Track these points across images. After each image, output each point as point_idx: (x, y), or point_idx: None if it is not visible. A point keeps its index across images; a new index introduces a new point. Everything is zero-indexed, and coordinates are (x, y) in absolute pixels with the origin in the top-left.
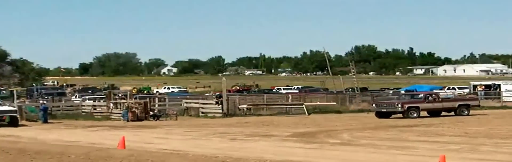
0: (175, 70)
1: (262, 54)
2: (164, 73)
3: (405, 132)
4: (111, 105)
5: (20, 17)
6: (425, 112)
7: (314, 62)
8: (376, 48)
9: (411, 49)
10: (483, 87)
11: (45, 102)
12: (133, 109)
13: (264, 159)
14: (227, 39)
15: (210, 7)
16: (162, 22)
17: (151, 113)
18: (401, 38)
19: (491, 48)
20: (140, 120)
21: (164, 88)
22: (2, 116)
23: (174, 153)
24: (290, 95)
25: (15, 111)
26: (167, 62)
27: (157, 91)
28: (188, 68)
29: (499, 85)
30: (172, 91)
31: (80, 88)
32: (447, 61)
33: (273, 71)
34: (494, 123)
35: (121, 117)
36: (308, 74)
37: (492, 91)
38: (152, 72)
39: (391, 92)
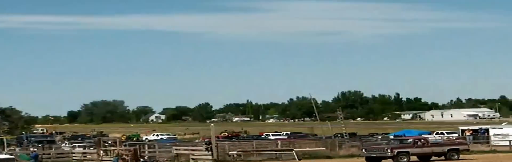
0: (163, 117)
1: (249, 101)
2: (152, 120)
3: None
4: (101, 152)
5: (7, 66)
6: (415, 157)
7: (302, 108)
8: (362, 94)
9: (398, 94)
10: (471, 131)
11: (35, 149)
12: (123, 156)
13: None
14: (214, 86)
15: (196, 54)
16: (149, 70)
17: (142, 160)
18: (387, 84)
19: (478, 93)
20: None
21: (153, 135)
22: None
23: None
24: (279, 141)
25: (12, 160)
26: (154, 109)
27: (146, 138)
28: (176, 115)
29: (487, 130)
30: (161, 138)
31: (70, 135)
32: (434, 106)
33: (260, 117)
34: None
35: None
36: (296, 120)
37: (481, 135)
38: (140, 119)
39: (380, 137)
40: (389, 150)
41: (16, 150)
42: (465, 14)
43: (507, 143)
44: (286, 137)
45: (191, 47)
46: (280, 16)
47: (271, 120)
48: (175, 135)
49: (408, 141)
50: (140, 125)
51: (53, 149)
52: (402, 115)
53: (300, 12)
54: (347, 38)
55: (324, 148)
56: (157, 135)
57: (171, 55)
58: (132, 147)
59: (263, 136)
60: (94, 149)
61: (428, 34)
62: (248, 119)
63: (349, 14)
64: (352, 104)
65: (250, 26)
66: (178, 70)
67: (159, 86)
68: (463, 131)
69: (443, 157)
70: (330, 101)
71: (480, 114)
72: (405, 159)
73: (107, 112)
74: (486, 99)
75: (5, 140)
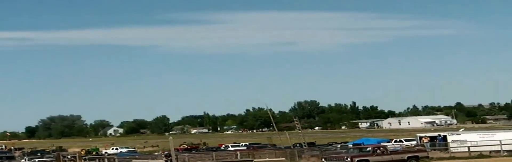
0: (121, 130)
1: (206, 113)
2: (110, 134)
3: None
4: None
5: None
6: None
7: (259, 119)
8: (318, 103)
9: (354, 103)
10: (429, 138)
11: None
12: None
13: None
14: (170, 98)
15: (151, 67)
16: (105, 84)
17: None
18: (343, 93)
19: (434, 100)
20: None
21: (113, 148)
22: None
23: None
24: (238, 152)
25: None
26: (112, 123)
27: (105, 152)
28: (134, 128)
29: (445, 136)
30: (121, 151)
31: (29, 151)
32: (391, 114)
33: (218, 129)
34: None
35: None
36: (254, 130)
37: (439, 142)
38: (99, 133)
39: (339, 146)
40: (349, 159)
41: None
42: (422, 22)
43: (466, 149)
44: (245, 148)
45: (146, 60)
46: (234, 27)
47: (229, 132)
48: (134, 148)
49: (368, 149)
50: (98, 139)
51: None
52: (359, 123)
53: (254, 23)
54: (302, 48)
55: (283, 158)
56: (117, 149)
57: (126, 69)
58: (92, 161)
59: (222, 148)
60: None
61: (382, 43)
62: (206, 131)
63: (303, 24)
64: (309, 113)
65: (205, 37)
66: (134, 84)
67: (116, 99)
68: (421, 138)
69: None
70: (287, 111)
71: (437, 121)
72: None
73: (65, 127)
74: (442, 106)
75: None
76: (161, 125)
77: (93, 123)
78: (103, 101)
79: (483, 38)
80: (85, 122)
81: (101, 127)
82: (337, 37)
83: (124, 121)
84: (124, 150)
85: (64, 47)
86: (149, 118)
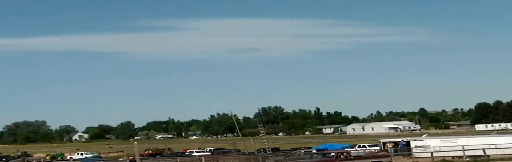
0: (86, 136)
1: (171, 118)
2: (75, 139)
3: None
4: None
5: None
6: None
7: (223, 125)
8: (283, 109)
9: (318, 109)
10: (393, 144)
11: None
12: None
13: None
14: (135, 104)
15: (114, 73)
16: (70, 90)
17: None
18: (307, 99)
19: (397, 106)
20: None
21: (77, 154)
22: None
23: None
24: (203, 158)
25: None
26: (77, 128)
27: (70, 157)
28: (99, 133)
29: (408, 142)
30: (86, 157)
31: None
32: (355, 119)
33: (183, 134)
34: None
35: None
36: (219, 136)
37: (402, 147)
38: (64, 139)
39: (302, 151)
40: None
41: None
42: (382, 29)
43: (429, 155)
44: (210, 153)
45: (111, 66)
46: (199, 34)
47: (194, 137)
48: (99, 153)
49: (331, 154)
50: (63, 145)
51: None
52: (323, 129)
53: (218, 29)
54: (266, 54)
55: None
56: (82, 154)
57: (89, 75)
58: None
59: (187, 153)
60: None
61: (344, 50)
62: (171, 136)
63: (267, 31)
64: (273, 119)
65: (169, 44)
66: (99, 89)
67: (80, 105)
68: (384, 143)
69: None
70: (252, 117)
71: (400, 127)
72: None
73: (30, 133)
74: (406, 112)
75: None
76: (126, 131)
77: (58, 129)
78: (68, 107)
79: (443, 45)
80: (50, 128)
81: (66, 132)
82: (301, 43)
83: (89, 127)
84: (89, 155)
85: (31, 54)
86: (114, 123)
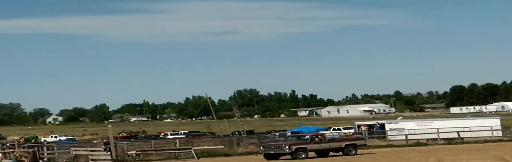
0: (60, 119)
1: (145, 101)
2: (49, 122)
3: None
4: (0, 155)
5: None
6: (313, 153)
7: (198, 107)
8: (258, 92)
9: (293, 92)
10: (367, 127)
11: None
12: (22, 158)
13: None
14: (110, 87)
15: (90, 56)
16: (44, 72)
17: (41, 161)
18: (283, 82)
19: (372, 89)
20: None
21: (51, 136)
22: None
23: None
24: (177, 140)
25: None
26: (51, 111)
27: (44, 140)
28: (73, 116)
29: (383, 125)
30: (60, 140)
31: None
32: (330, 102)
33: (158, 117)
34: None
35: None
36: (193, 119)
37: (377, 130)
38: (38, 122)
39: (277, 134)
40: (287, 147)
41: None
42: (358, 12)
43: (403, 138)
44: (184, 136)
45: (85, 49)
46: (173, 17)
47: (168, 120)
48: (73, 136)
49: (306, 137)
50: (38, 127)
51: None
52: (298, 112)
53: (194, 12)
54: (241, 37)
55: (222, 146)
56: (56, 137)
57: (65, 57)
58: (31, 149)
59: (161, 136)
60: None
61: (321, 32)
62: (145, 119)
63: (243, 13)
64: (248, 102)
65: (145, 27)
66: (74, 72)
67: (55, 88)
68: (359, 126)
69: (340, 153)
70: (227, 99)
71: (375, 110)
72: (303, 155)
73: (4, 115)
74: (381, 94)
75: None
76: (101, 113)
77: (32, 111)
78: (42, 90)
79: (419, 28)
80: (24, 110)
81: (40, 115)
82: (276, 26)
83: (63, 110)
84: (63, 138)
85: (5, 36)
86: (88, 106)
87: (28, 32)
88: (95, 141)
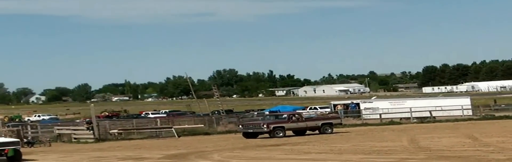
0: (43, 98)
1: (127, 81)
2: (32, 101)
3: (273, 151)
4: None
5: None
6: (291, 132)
7: (179, 87)
8: (237, 72)
9: (271, 72)
10: (343, 106)
11: None
12: (7, 137)
13: None
14: (92, 67)
15: (73, 36)
16: (28, 52)
17: (25, 140)
18: (261, 62)
19: (348, 69)
20: None
21: (35, 115)
22: (4, 149)
23: None
24: (158, 119)
25: (18, 143)
26: (35, 90)
27: (28, 119)
28: (56, 96)
29: (358, 104)
30: (43, 119)
31: None
32: (307, 82)
33: (139, 96)
34: (357, 140)
35: None
36: (174, 98)
37: (352, 109)
38: (21, 101)
39: (255, 113)
40: (265, 126)
41: None
42: None
43: (378, 116)
44: (165, 115)
45: (68, 30)
46: None
47: (149, 99)
48: (56, 115)
49: (283, 116)
50: (21, 107)
51: None
52: (276, 91)
53: None
54: (220, 18)
55: (202, 125)
56: (39, 116)
57: (48, 38)
58: (15, 128)
59: (142, 115)
60: None
61: (297, 14)
62: (127, 98)
63: None
64: (227, 82)
65: (126, 8)
66: (57, 52)
67: (38, 68)
68: (335, 105)
69: (317, 131)
70: (206, 79)
71: (350, 89)
72: (281, 134)
73: None
74: (356, 74)
75: None
76: (83, 93)
77: (15, 91)
78: (25, 69)
79: (391, 9)
80: (7, 90)
81: (23, 94)
82: (254, 8)
83: (46, 89)
84: (46, 117)
85: None
86: (71, 86)
87: (12, 12)
88: (77, 120)
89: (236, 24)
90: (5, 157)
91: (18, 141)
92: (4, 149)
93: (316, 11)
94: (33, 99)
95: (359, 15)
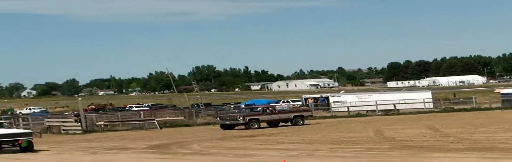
0: (34, 92)
1: (112, 76)
2: (24, 95)
3: (249, 141)
4: None
5: None
6: (265, 123)
7: (161, 82)
8: (215, 68)
9: (247, 67)
10: (313, 99)
11: None
12: None
13: None
14: (80, 63)
15: (62, 34)
16: (20, 50)
17: None
18: (237, 58)
19: (318, 65)
20: None
21: (26, 109)
22: (18, 139)
23: None
24: (142, 112)
25: (30, 134)
26: (26, 85)
27: (20, 112)
28: (46, 90)
29: (327, 98)
30: (34, 112)
31: None
32: (280, 77)
33: (124, 91)
34: (326, 131)
35: None
36: (156, 92)
37: (322, 102)
38: (13, 95)
39: (232, 106)
40: (241, 118)
41: None
42: None
43: (346, 109)
44: (148, 108)
45: (54, 29)
46: None
47: (133, 93)
48: (46, 108)
49: (258, 109)
50: (13, 100)
51: None
52: (251, 86)
53: None
54: (198, 17)
55: (182, 117)
56: (30, 109)
57: (39, 36)
58: (7, 120)
59: (127, 108)
60: None
61: (270, 13)
62: (112, 92)
63: None
64: (206, 77)
65: (111, 8)
66: (47, 49)
67: (29, 64)
68: (306, 99)
69: (289, 123)
70: (186, 74)
71: (320, 84)
72: (256, 126)
73: None
74: (325, 70)
75: None
76: (71, 88)
77: (8, 86)
78: (17, 66)
79: (359, 9)
80: (1, 85)
81: (15, 89)
82: (229, 7)
83: (37, 84)
84: (37, 110)
85: None
86: (60, 81)
87: (5, 12)
88: (66, 113)
89: (214, 22)
90: (18, 148)
91: (31, 132)
92: (18, 140)
93: (287, 11)
94: (24, 93)
95: (328, 15)
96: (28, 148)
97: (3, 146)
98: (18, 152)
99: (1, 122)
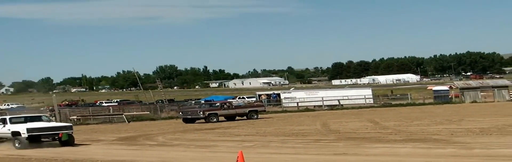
0: (12, 89)
1: (84, 75)
2: (2, 92)
3: (209, 134)
4: None
5: None
6: (223, 117)
7: (128, 80)
8: (177, 67)
9: (206, 67)
10: (266, 96)
11: None
12: None
13: (96, 159)
14: (53, 62)
15: (37, 36)
16: None
17: None
18: (197, 59)
19: (270, 64)
20: None
21: (4, 104)
22: (58, 133)
23: (19, 158)
24: (111, 107)
25: (71, 127)
26: (4, 83)
27: None
28: (23, 88)
29: (278, 94)
30: (12, 107)
31: None
32: (236, 76)
33: (94, 88)
34: (278, 124)
35: None
36: (124, 90)
37: (273, 98)
38: None
39: (193, 102)
40: (201, 112)
41: None
42: (262, 1)
43: (295, 105)
44: (117, 104)
45: (30, 31)
46: (108, 4)
47: (103, 90)
48: (23, 104)
49: (216, 104)
50: None
51: None
52: (210, 84)
53: (125, 1)
54: (163, 21)
55: (148, 112)
56: (8, 105)
57: (17, 38)
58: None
59: (97, 104)
60: None
61: (229, 18)
62: (84, 90)
63: (165, 2)
64: (169, 75)
65: (83, 13)
66: (24, 50)
67: (6, 63)
68: (259, 95)
69: (245, 117)
70: (151, 73)
71: (272, 82)
72: (215, 119)
73: None
74: (277, 69)
75: None
76: (46, 85)
77: None
78: None
79: (308, 15)
80: None
81: None
82: (192, 13)
83: (14, 82)
84: (14, 106)
85: None
86: (36, 79)
87: None
88: (42, 108)
89: (177, 26)
90: (58, 141)
91: (71, 126)
92: (58, 133)
93: (244, 16)
94: (2, 90)
95: (279, 19)
96: (68, 141)
97: (43, 139)
98: (57, 146)
99: (41, 115)
